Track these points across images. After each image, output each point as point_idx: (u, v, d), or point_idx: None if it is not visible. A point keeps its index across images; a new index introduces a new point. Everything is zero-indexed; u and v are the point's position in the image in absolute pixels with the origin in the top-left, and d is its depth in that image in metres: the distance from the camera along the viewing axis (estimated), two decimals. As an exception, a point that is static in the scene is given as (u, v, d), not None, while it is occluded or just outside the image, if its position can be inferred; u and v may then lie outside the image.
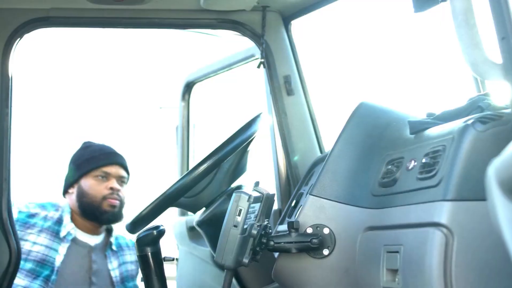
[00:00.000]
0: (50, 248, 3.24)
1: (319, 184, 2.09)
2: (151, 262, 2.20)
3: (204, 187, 2.54)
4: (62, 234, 3.29)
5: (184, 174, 2.41)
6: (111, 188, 3.32)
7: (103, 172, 3.34)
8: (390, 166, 1.96)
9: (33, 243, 3.23)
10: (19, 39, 3.04)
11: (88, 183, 3.33)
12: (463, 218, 1.64)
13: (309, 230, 2.06)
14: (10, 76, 3.03)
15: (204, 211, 2.70)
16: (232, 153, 2.42)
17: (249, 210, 1.97)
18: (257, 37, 3.09)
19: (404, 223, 1.79)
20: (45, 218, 3.27)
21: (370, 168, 2.05)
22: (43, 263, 3.21)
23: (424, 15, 2.14)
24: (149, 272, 2.20)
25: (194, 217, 2.73)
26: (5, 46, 3.01)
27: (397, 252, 1.78)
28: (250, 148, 2.63)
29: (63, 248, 3.27)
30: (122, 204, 3.35)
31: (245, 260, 2.01)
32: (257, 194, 2.01)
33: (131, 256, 3.49)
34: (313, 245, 2.02)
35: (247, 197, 1.97)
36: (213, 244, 2.74)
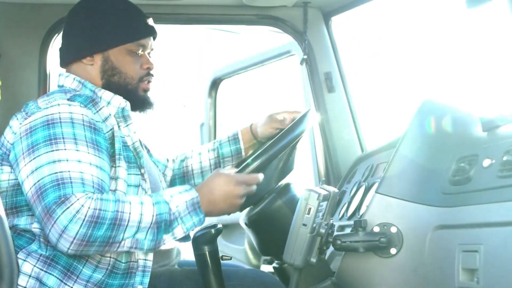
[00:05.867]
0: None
1: (385, 183, 2.06)
2: (209, 261, 2.15)
3: None
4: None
5: (239, 168, 2.35)
6: (148, 68, 2.41)
7: (140, 45, 2.40)
8: (462, 164, 1.93)
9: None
10: (57, 34, 2.99)
11: (122, 58, 2.39)
12: (552, 217, 1.61)
13: (376, 229, 2.03)
14: (48, 72, 2.99)
15: (251, 210, 2.66)
16: (284, 150, 2.38)
17: (318, 208, 1.94)
18: (298, 34, 3.06)
19: (483, 222, 1.76)
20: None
21: (438, 166, 2.02)
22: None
23: (478, 11, 2.11)
24: (207, 271, 2.15)
25: (240, 216, 2.70)
26: (43, 42, 2.97)
27: (475, 251, 1.75)
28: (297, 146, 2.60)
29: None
30: None
31: (313, 260, 1.98)
32: (325, 192, 1.98)
33: None
34: (381, 244, 1.99)
35: (317, 195, 1.94)
36: (262, 244, 2.70)
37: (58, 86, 2.38)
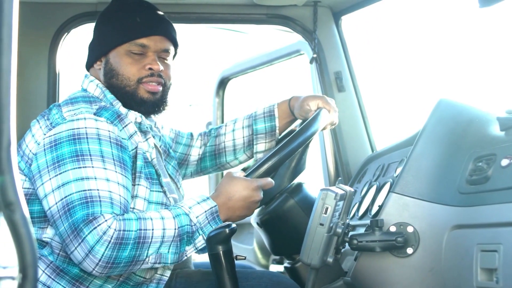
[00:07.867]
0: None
1: (402, 182, 2.05)
2: (223, 261, 2.14)
3: None
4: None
5: (248, 172, 2.34)
6: (150, 69, 2.34)
7: (139, 45, 2.35)
8: (480, 163, 1.93)
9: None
10: (66, 34, 2.99)
11: (119, 60, 2.35)
12: None
13: (393, 229, 2.02)
14: (57, 71, 2.98)
15: (263, 209, 2.65)
16: (298, 149, 2.36)
17: (335, 208, 1.93)
18: (308, 33, 3.06)
19: (502, 222, 1.75)
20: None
21: (454, 165, 2.02)
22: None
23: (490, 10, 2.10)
24: (221, 271, 2.14)
25: (251, 215, 2.69)
26: (52, 41, 2.96)
27: (495, 251, 1.74)
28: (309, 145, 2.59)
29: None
30: (165, 89, 2.40)
31: (330, 259, 1.97)
32: (342, 192, 1.97)
33: None
34: (398, 243, 1.98)
35: (334, 194, 1.93)
36: (274, 243, 2.69)
37: (82, 87, 2.38)
